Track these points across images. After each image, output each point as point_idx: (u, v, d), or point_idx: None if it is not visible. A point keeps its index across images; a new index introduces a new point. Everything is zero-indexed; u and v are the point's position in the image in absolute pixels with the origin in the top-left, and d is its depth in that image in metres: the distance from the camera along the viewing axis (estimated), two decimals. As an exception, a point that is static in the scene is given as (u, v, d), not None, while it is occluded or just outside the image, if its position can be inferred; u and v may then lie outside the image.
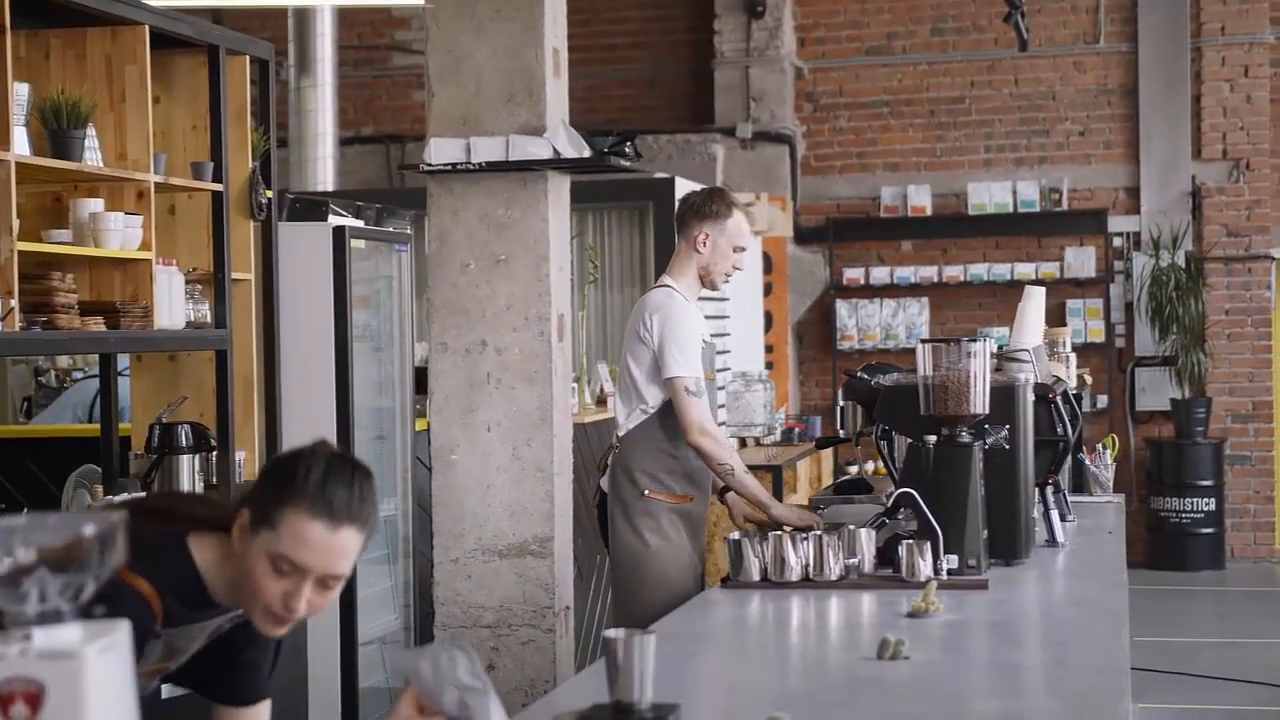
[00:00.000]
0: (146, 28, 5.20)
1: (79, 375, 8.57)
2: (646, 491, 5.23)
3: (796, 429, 10.93)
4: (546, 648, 5.85)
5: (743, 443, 10.30)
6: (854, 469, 12.03)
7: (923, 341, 4.48)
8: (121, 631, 1.79)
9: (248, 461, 5.89)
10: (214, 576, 2.71)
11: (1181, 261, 12.49)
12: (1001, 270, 12.79)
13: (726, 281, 5.48)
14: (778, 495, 8.82)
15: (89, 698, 1.73)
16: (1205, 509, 12.37)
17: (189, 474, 5.44)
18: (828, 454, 11.22)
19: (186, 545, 2.72)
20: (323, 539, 2.60)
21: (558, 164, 5.92)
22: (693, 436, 5.12)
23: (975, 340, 4.44)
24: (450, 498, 5.84)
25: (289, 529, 2.60)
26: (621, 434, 5.35)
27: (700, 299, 7.19)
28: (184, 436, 5.45)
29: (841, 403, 5.22)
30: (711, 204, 5.36)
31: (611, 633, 2.73)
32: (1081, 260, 12.77)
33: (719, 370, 6.26)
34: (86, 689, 1.72)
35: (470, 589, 5.86)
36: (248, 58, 5.93)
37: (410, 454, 6.91)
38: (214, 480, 5.64)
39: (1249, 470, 12.74)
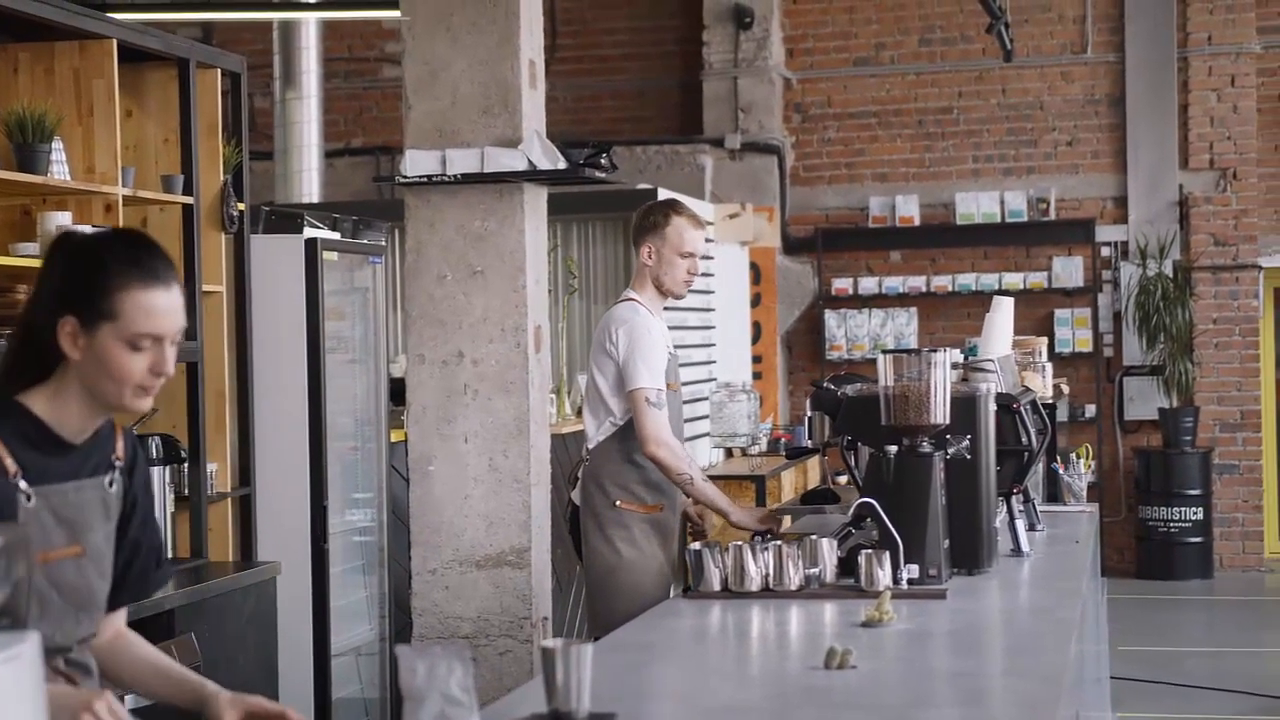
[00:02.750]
0: (114, 42, 5.22)
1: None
2: (618, 502, 5.29)
3: (783, 439, 10.93)
4: (524, 658, 5.86)
5: (728, 453, 10.31)
6: (843, 479, 12.03)
7: (884, 352, 4.50)
8: (29, 643, 1.80)
9: (219, 473, 5.91)
10: (56, 416, 2.73)
11: (1169, 271, 12.51)
12: (990, 280, 12.80)
13: (688, 287, 5.49)
14: (760, 505, 8.83)
15: (-9, 708, 1.74)
16: (1193, 518, 12.37)
17: (160, 486, 5.45)
18: (814, 464, 11.22)
19: (17, 402, 2.74)
20: (165, 303, 2.71)
21: (534, 176, 5.94)
22: (649, 448, 5.18)
23: (936, 351, 4.45)
24: (427, 508, 5.85)
25: (132, 310, 2.68)
26: (591, 446, 5.41)
27: (681, 309, 7.21)
28: (155, 448, 5.46)
29: (809, 413, 5.24)
30: (649, 216, 5.44)
31: (548, 643, 2.75)
32: (1069, 270, 12.77)
33: (684, 384, 6.29)
34: (-11, 700, 1.74)
35: (447, 600, 5.87)
36: (219, 71, 5.95)
37: (386, 465, 6.93)
38: (185, 492, 5.66)
39: (1237, 479, 12.74)
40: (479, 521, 5.85)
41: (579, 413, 8.25)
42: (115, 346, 2.69)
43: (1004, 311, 5.56)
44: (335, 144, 12.94)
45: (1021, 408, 5.02)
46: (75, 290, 2.70)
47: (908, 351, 4.48)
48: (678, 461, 5.18)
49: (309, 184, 10.72)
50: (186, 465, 5.65)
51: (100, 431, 2.82)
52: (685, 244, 5.38)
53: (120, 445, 2.87)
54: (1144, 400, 12.71)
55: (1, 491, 2.64)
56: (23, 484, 2.67)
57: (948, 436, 4.51)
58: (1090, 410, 12.67)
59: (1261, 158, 12.76)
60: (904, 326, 12.98)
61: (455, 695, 2.56)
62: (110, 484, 2.83)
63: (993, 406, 4.73)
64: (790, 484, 10.10)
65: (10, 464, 2.66)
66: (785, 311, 13.09)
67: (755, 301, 12.45)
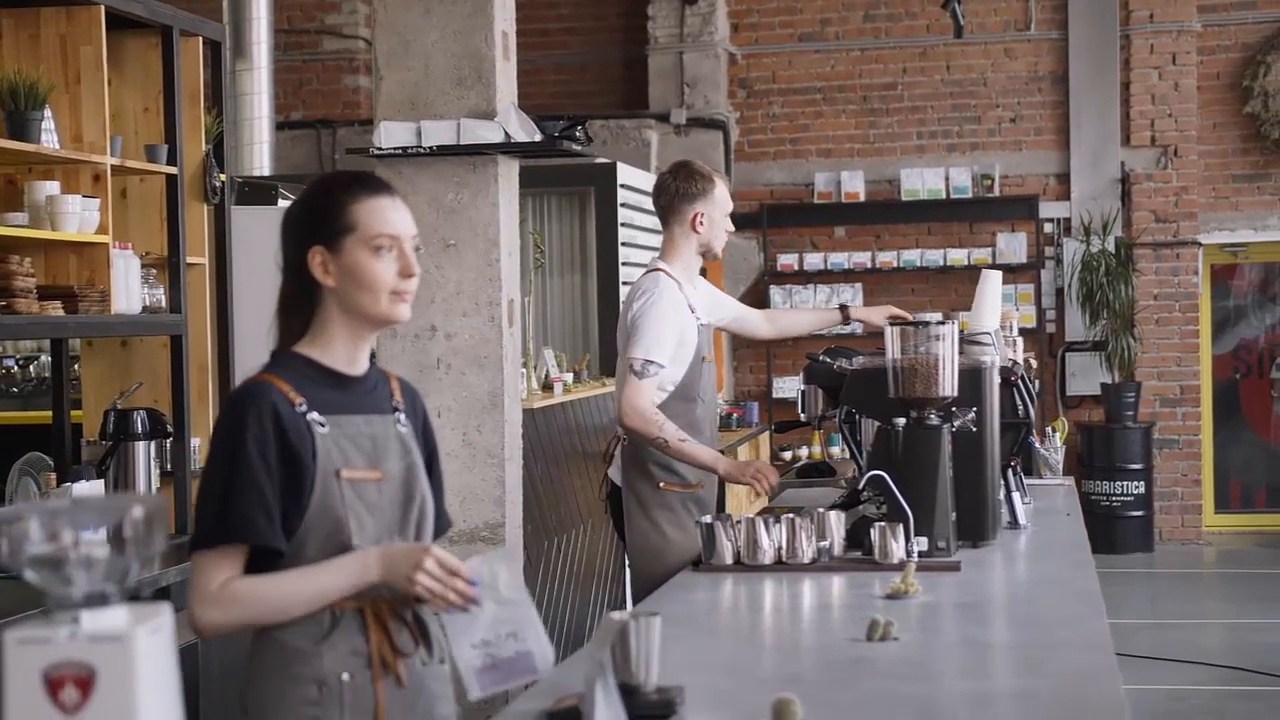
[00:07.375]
0: (102, 8, 5.12)
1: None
2: (662, 484, 5.19)
3: (734, 414, 10.95)
4: (498, 633, 5.82)
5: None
6: (804, 452, 12.08)
7: (891, 324, 4.49)
8: (164, 615, 1.76)
9: (203, 448, 5.82)
10: (322, 352, 2.91)
11: (1111, 247, 12.62)
12: (934, 256, 12.87)
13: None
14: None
15: (139, 679, 1.70)
16: (1135, 492, 12.51)
17: (144, 461, 5.37)
18: (765, 439, 11.26)
19: (288, 351, 2.93)
20: (392, 206, 2.91)
21: (508, 148, 5.89)
22: (621, 419, 5.11)
23: (944, 323, 4.45)
24: (402, 483, 5.79)
25: (366, 216, 2.87)
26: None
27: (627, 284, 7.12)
28: (140, 423, 5.37)
29: (802, 386, 5.21)
30: (695, 183, 5.37)
31: (618, 615, 2.73)
32: (1013, 246, 12.86)
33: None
34: (137, 671, 1.70)
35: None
36: (200, 39, 5.86)
37: (361, 440, 6.86)
38: (169, 467, 5.57)
39: (1177, 454, 12.89)
40: (452, 497, 5.75)
41: (546, 388, 8.21)
42: (361, 255, 2.86)
43: (993, 284, 5.57)
44: (277, 116, 12.76)
45: (1018, 379, 5.04)
46: (314, 221, 2.89)
47: (916, 324, 4.47)
48: (648, 427, 5.07)
49: (260, 156, 10.58)
50: (171, 440, 5.55)
51: (374, 375, 2.98)
52: (728, 203, 5.47)
53: (396, 390, 3.01)
54: (1086, 375, 12.84)
55: (292, 421, 2.82)
56: (313, 414, 2.84)
57: (954, 409, 4.51)
58: (1034, 385, 12.76)
59: (1202, 135, 12.89)
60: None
61: (507, 595, 2.56)
62: (400, 424, 2.96)
63: (997, 379, 4.75)
64: (745, 458, 10.11)
65: (296, 398, 2.84)
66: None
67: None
